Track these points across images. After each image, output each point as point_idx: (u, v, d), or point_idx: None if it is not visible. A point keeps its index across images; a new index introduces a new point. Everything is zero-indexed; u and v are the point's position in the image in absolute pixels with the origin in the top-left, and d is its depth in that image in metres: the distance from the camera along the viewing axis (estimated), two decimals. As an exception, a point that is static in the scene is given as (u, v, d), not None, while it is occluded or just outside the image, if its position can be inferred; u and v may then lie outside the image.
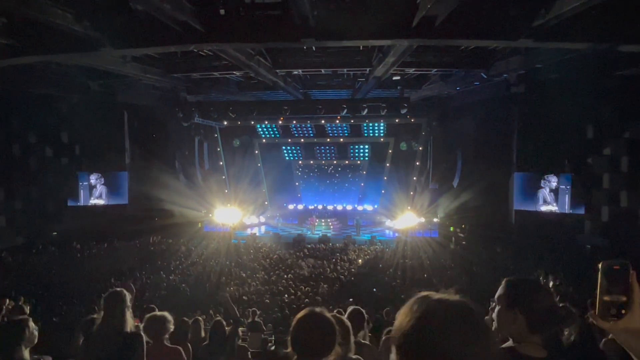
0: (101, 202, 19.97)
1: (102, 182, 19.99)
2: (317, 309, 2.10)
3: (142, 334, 3.28)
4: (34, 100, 15.61)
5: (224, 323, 5.38)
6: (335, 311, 6.58)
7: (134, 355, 3.11)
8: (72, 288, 11.99)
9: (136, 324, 3.60)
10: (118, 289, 3.29)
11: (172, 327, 3.89)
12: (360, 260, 16.85)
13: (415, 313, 1.06)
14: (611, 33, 8.34)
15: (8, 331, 2.92)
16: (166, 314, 3.93)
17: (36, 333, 2.98)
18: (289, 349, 2.04)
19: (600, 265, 1.23)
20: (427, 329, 1.02)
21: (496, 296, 1.92)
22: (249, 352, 5.70)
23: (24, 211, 17.22)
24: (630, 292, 1.18)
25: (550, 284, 11.96)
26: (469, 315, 1.05)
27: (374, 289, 12.91)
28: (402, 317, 1.09)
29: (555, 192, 17.16)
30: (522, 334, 1.80)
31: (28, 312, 6.50)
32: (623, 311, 1.18)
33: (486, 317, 6.34)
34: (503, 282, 1.92)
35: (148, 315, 3.87)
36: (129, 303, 3.24)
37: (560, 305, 3.97)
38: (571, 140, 16.04)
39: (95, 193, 19.89)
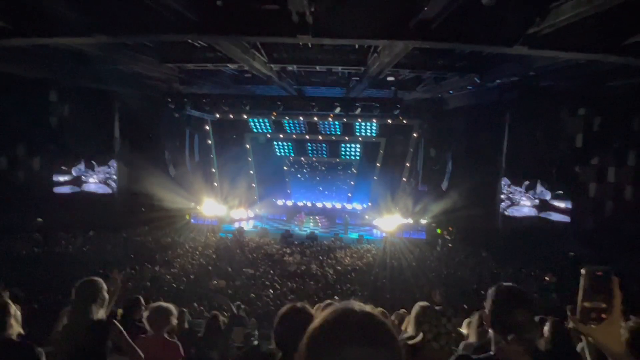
0: (88, 190, 19.75)
1: (90, 171, 19.78)
2: (299, 304, 2.11)
3: (115, 322, 3.24)
4: (22, 84, 15.35)
5: (221, 318, 5.38)
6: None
7: (104, 344, 3.09)
8: (54, 276, 11.85)
9: (119, 313, 3.57)
10: (90, 279, 3.23)
11: (175, 321, 3.84)
12: (347, 259, 16.89)
13: (323, 318, 1.02)
14: (605, 44, 8.44)
15: None
16: (172, 307, 3.87)
17: (19, 313, 3.03)
18: (273, 345, 2.04)
19: (583, 271, 1.24)
20: (319, 338, 0.98)
21: (487, 299, 1.94)
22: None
23: (10, 196, 16.95)
24: (611, 298, 1.20)
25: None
26: (375, 324, 0.99)
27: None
28: (314, 321, 1.05)
29: (541, 199, 17.37)
30: (499, 341, 1.83)
31: (8, 298, 6.41)
32: (603, 316, 1.20)
33: (469, 320, 6.40)
34: (492, 289, 1.93)
35: (152, 305, 3.82)
36: (104, 294, 3.18)
37: (539, 317, 4.01)
38: (560, 148, 16.25)
39: (83, 181, 19.67)
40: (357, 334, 0.95)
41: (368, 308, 1.04)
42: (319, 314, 1.06)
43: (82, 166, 19.61)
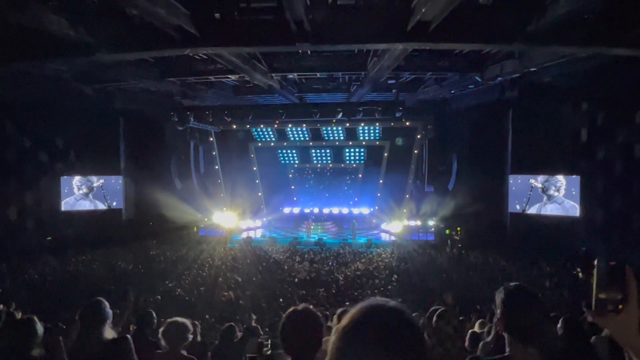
0: (96, 207, 19.89)
1: (98, 187, 19.92)
2: (300, 307, 2.13)
3: (129, 337, 3.25)
4: (28, 105, 15.54)
5: (237, 329, 5.38)
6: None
7: None
8: (66, 294, 11.89)
9: (132, 328, 3.58)
10: (95, 300, 3.23)
11: (191, 337, 3.81)
12: (356, 264, 16.83)
13: (352, 317, 1.04)
14: (603, 37, 8.42)
15: (19, 330, 3.00)
16: (187, 321, 3.85)
17: (42, 330, 3.08)
18: (281, 350, 2.06)
19: (596, 262, 1.23)
20: (358, 334, 1.00)
21: (496, 302, 1.93)
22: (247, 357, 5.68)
23: (18, 217, 17.11)
24: (626, 289, 1.19)
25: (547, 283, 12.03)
26: (403, 322, 1.02)
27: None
28: (343, 320, 1.07)
29: (549, 195, 17.25)
30: (514, 344, 1.81)
31: (19, 318, 6.44)
32: (620, 306, 1.19)
33: (482, 320, 6.35)
34: (499, 290, 1.91)
35: (169, 320, 3.81)
36: (107, 314, 3.18)
37: (552, 315, 3.98)
38: (565, 144, 16.15)
39: (91, 198, 19.81)
40: (385, 330, 0.99)
41: (395, 303, 1.07)
42: (348, 313, 1.08)
43: (89, 183, 19.75)
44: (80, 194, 19.53)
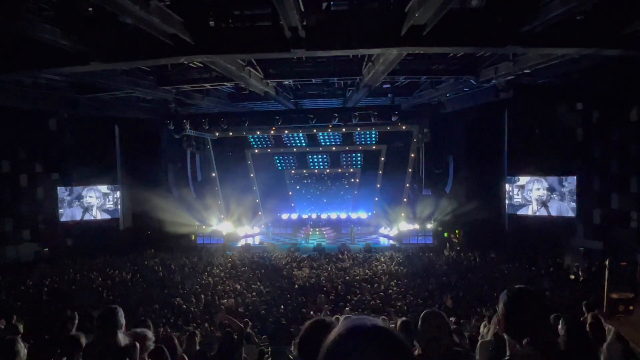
0: (93, 217, 19.81)
1: (94, 197, 19.86)
2: (327, 319, 2.11)
3: (137, 344, 3.29)
4: (23, 116, 15.50)
5: (233, 334, 5.37)
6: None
7: None
8: (64, 305, 11.79)
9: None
10: (111, 307, 3.32)
11: (152, 345, 3.85)
12: (355, 269, 16.78)
13: (334, 337, 1.02)
14: (595, 38, 8.49)
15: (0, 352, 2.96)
16: (147, 331, 3.91)
17: (25, 351, 3.04)
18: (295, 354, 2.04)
19: (607, 263, 1.23)
20: (340, 351, 0.99)
21: (499, 303, 1.91)
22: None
23: (15, 228, 17.02)
24: (637, 288, 1.18)
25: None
26: (388, 341, 0.99)
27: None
28: (328, 337, 1.05)
29: (546, 195, 17.30)
30: (514, 345, 1.79)
31: (22, 330, 6.39)
32: (631, 307, 1.18)
33: (484, 322, 6.33)
34: (503, 292, 1.89)
35: (129, 332, 3.83)
36: (122, 321, 3.27)
37: (553, 315, 3.97)
38: (560, 144, 16.23)
39: (87, 208, 19.74)
40: (370, 348, 0.96)
41: (380, 321, 1.04)
42: (334, 329, 1.07)
43: (85, 193, 19.68)
44: (85, 203, 19.58)
